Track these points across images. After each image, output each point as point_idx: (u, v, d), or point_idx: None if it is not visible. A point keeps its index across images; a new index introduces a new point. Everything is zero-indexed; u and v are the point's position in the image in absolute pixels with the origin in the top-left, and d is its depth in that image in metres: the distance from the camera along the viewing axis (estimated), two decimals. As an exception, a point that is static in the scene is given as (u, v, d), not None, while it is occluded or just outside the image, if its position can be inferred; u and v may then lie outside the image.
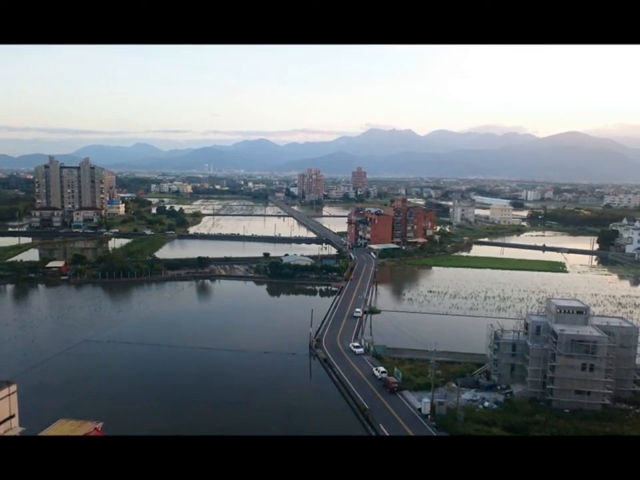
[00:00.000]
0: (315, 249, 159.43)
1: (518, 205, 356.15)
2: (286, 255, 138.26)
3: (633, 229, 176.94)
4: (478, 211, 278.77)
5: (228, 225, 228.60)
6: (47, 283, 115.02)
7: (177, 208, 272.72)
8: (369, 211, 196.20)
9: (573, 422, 52.85)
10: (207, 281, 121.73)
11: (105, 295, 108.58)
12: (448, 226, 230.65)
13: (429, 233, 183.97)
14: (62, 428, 37.71)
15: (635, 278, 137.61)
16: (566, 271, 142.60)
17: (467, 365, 67.87)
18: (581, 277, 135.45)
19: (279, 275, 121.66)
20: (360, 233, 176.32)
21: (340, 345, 76.42)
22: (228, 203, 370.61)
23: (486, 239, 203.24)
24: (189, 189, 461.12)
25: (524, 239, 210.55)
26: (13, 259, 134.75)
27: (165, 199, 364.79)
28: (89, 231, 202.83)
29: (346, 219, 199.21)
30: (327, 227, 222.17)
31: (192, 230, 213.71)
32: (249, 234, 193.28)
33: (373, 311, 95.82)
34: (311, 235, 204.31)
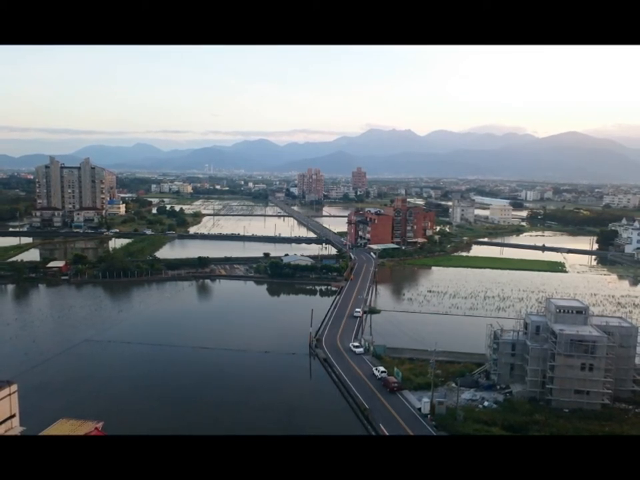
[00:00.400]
0: (315, 249, 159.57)
1: (517, 205, 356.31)
2: (286, 254, 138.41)
3: (632, 229, 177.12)
4: (477, 211, 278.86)
5: (228, 225, 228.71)
6: (47, 283, 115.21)
7: (177, 208, 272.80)
8: (369, 211, 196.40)
9: (572, 421, 52.95)
10: (207, 281, 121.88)
11: (106, 295, 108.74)
12: (448, 226, 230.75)
13: (429, 233, 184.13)
14: (62, 427, 37.83)
15: (634, 278, 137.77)
16: (565, 271, 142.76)
17: (466, 365, 68.00)
18: (580, 277, 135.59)
19: (279, 275, 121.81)
20: (360, 233, 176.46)
21: (340, 344, 76.56)
22: (228, 203, 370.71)
23: (485, 239, 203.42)
24: (189, 189, 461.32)
25: (523, 239, 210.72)
26: (14, 258, 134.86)
27: (165, 199, 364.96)
28: (89, 231, 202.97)
29: (346, 219, 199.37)
30: (327, 227, 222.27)
31: (192, 230, 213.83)
32: (249, 234, 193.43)
33: (373, 311, 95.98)
34: (311, 235, 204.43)
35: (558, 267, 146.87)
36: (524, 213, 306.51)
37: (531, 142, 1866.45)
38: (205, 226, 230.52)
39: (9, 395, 36.28)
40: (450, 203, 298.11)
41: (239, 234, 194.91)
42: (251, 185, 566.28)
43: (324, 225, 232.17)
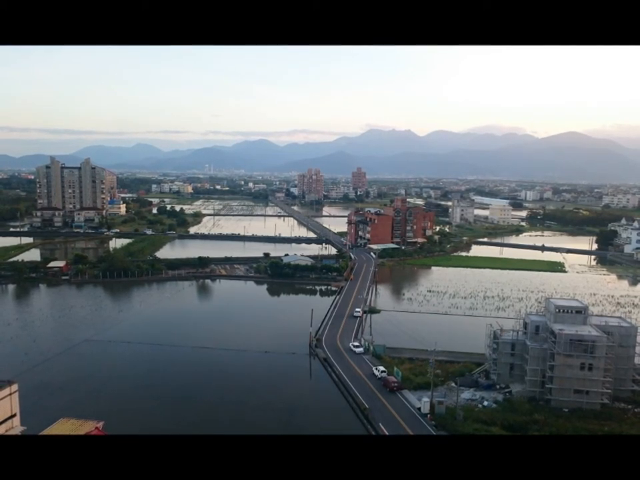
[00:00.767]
0: (315, 249, 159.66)
1: (517, 205, 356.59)
2: (286, 254, 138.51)
3: (632, 229, 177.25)
4: (477, 211, 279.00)
5: (228, 225, 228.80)
6: (48, 283, 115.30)
7: (177, 208, 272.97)
8: (369, 211, 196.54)
9: (571, 421, 53.01)
10: (208, 281, 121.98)
11: (106, 295, 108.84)
12: (447, 226, 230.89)
13: (429, 233, 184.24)
14: (63, 427, 37.88)
15: (633, 278, 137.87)
16: (565, 271, 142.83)
17: (466, 365, 68.04)
18: (579, 277, 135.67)
19: (279, 275, 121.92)
20: (360, 232, 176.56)
21: (340, 344, 76.66)
22: (228, 203, 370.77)
23: (485, 239, 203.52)
24: (189, 189, 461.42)
25: (523, 239, 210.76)
26: (15, 258, 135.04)
27: (165, 199, 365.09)
28: (90, 231, 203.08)
29: (346, 219, 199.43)
30: (327, 227, 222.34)
31: (192, 230, 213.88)
32: (249, 234, 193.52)
33: (373, 311, 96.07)
34: (311, 235, 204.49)
35: (557, 267, 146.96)
36: (523, 213, 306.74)
37: (530, 142, 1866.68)
38: (205, 226, 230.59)
39: (10, 394, 36.31)
40: (449, 203, 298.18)
41: (239, 234, 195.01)
42: (251, 185, 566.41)
43: (324, 225, 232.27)
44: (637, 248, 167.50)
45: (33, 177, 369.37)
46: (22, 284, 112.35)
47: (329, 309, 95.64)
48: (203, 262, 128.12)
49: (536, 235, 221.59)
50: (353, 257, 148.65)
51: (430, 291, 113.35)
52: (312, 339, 77.22)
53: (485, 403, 57.64)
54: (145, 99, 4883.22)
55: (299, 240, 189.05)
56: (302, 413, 56.95)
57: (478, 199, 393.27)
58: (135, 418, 53.86)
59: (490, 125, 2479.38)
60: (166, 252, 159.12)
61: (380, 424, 52.05)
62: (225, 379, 65.28)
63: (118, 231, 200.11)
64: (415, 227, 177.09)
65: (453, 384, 60.69)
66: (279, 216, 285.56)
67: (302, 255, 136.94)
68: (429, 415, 53.89)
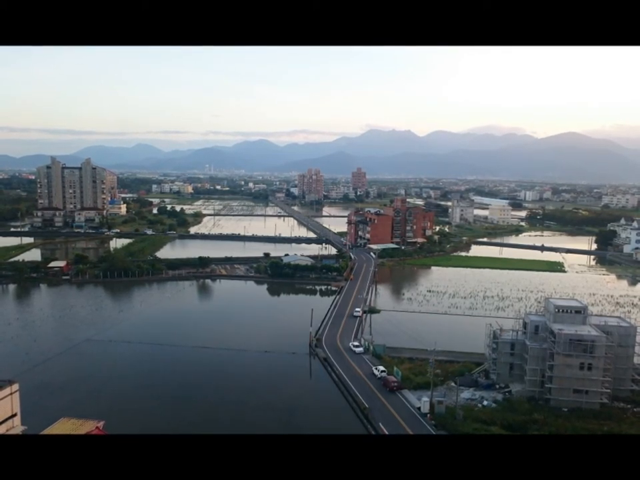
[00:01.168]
0: (315, 249, 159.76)
1: (516, 205, 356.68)
2: (286, 254, 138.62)
3: (631, 229, 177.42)
4: (477, 211, 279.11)
5: (228, 225, 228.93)
6: (48, 283, 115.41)
7: (177, 208, 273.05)
8: (369, 211, 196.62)
9: (571, 421, 53.06)
10: (208, 281, 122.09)
11: (107, 295, 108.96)
12: (447, 226, 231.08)
13: (428, 233, 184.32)
14: (63, 427, 37.83)
15: (632, 277, 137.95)
16: (564, 271, 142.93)
17: (466, 364, 68.12)
18: (579, 277, 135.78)
19: (279, 275, 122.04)
20: (360, 233, 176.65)
21: (340, 344, 76.77)
22: (228, 203, 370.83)
23: (485, 239, 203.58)
24: (189, 189, 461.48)
25: (522, 239, 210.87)
26: (15, 258, 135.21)
27: (166, 199, 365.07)
28: (90, 231, 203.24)
29: (346, 219, 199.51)
30: (327, 227, 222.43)
31: (193, 230, 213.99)
32: (250, 234, 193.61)
33: (373, 311, 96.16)
34: (311, 235, 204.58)
35: (557, 267, 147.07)
36: (523, 213, 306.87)
37: (530, 142, 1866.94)
38: (206, 226, 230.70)
39: (11, 394, 36.29)
40: (449, 203, 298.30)
41: (239, 234, 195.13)
42: (251, 185, 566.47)
43: (324, 225, 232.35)
44: (636, 248, 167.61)
45: (33, 177, 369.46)
46: (23, 284, 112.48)
47: (329, 308, 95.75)
48: (203, 262, 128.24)
49: (535, 235, 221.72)
50: (352, 256, 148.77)
51: (430, 291, 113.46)
52: (312, 338, 77.33)
53: (485, 403, 57.73)
54: (146, 99, 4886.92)
55: (299, 240, 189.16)
56: (302, 412, 57.05)
57: (477, 199, 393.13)
58: (135, 418, 53.97)
59: (490, 125, 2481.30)
60: (166, 252, 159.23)
61: (380, 424, 52.14)
62: (225, 378, 65.39)
63: (118, 231, 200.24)
64: (414, 227, 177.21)
65: (453, 384, 60.81)
66: (279, 216, 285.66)
67: (302, 255, 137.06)
68: (428, 415, 53.98)
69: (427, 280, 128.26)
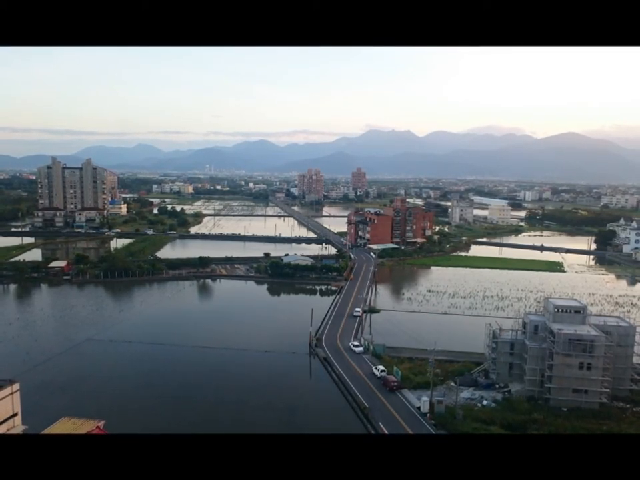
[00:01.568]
0: (315, 249, 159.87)
1: (516, 205, 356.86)
2: (286, 254, 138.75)
3: (630, 229, 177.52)
4: (476, 211, 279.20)
5: (229, 225, 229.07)
6: (49, 283, 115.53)
7: (178, 208, 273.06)
8: (369, 211, 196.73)
9: (570, 420, 53.17)
10: (208, 281, 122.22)
11: (107, 295, 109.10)
12: (447, 226, 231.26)
13: (428, 233, 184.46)
14: (64, 426, 37.88)
15: (632, 277, 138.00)
16: (563, 271, 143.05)
17: (465, 364, 68.24)
18: (578, 277, 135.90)
19: (279, 275, 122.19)
20: (359, 233, 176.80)
21: (340, 344, 76.91)
22: (229, 203, 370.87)
23: (484, 239, 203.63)
24: (190, 189, 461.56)
25: (522, 239, 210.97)
26: (16, 258, 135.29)
27: (166, 200, 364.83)
28: (91, 231, 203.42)
29: (346, 219, 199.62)
30: (327, 227, 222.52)
31: (193, 230, 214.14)
32: (250, 234, 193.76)
33: (373, 311, 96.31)
34: (311, 235, 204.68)
35: (556, 267, 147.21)
36: (522, 213, 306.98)
37: (529, 143, 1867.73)
38: (206, 226, 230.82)
39: (11, 393, 36.43)
40: (449, 203, 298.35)
41: (239, 234, 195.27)
42: (251, 185, 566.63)
43: (324, 225, 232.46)
44: (636, 248, 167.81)
45: (34, 177, 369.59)
46: (23, 284, 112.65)
47: (329, 308, 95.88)
48: (203, 262, 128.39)
49: (535, 235, 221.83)
50: (352, 256, 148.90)
51: (429, 291, 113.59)
52: (312, 338, 77.46)
53: (484, 402, 57.87)
54: (146, 100, 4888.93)
55: (299, 240, 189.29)
56: (302, 412, 57.18)
57: (477, 199, 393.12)
58: (135, 417, 54.07)
59: (489, 125, 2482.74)
60: (167, 252, 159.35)
61: (380, 423, 52.26)
62: (225, 378, 65.51)
63: (119, 231, 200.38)
64: (414, 227, 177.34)
65: (453, 383, 60.96)
66: (279, 216, 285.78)
67: (302, 255, 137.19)
68: (428, 414, 54.09)
69: (427, 280, 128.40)
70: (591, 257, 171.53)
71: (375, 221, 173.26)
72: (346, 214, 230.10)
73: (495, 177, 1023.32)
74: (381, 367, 65.30)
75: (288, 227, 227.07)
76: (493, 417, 53.42)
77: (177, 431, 48.97)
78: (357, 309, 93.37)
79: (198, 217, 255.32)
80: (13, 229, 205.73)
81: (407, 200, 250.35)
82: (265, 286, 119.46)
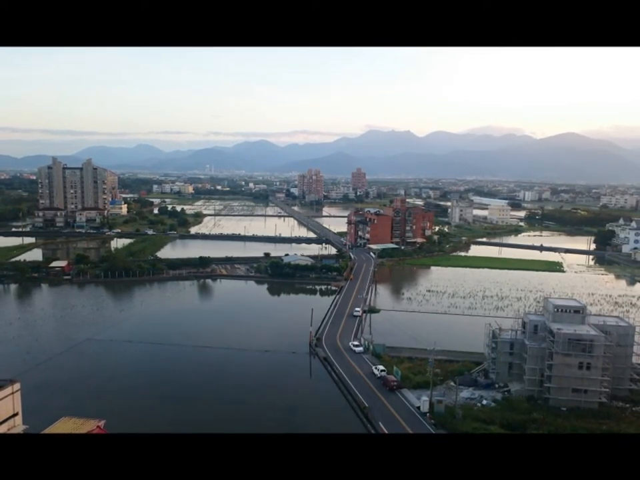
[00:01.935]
0: (315, 249, 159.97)
1: (516, 205, 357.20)
2: (286, 254, 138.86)
3: (630, 229, 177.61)
4: (476, 211, 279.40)
5: (229, 225, 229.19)
6: (50, 283, 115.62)
7: (178, 208, 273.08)
8: (369, 211, 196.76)
9: (570, 420, 53.28)
10: (208, 281, 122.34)
11: (108, 295, 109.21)
12: (446, 226, 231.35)
13: (428, 233, 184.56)
14: (65, 426, 37.97)
15: (631, 277, 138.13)
16: (563, 271, 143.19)
17: (465, 364, 68.34)
18: (578, 277, 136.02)
19: (279, 275, 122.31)
20: (359, 233, 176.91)
21: (340, 343, 77.03)
22: (229, 203, 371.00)
23: (484, 239, 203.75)
24: (190, 189, 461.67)
25: (521, 239, 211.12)
26: (17, 258, 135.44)
27: (166, 200, 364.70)
28: (91, 231, 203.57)
29: (345, 219, 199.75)
30: (327, 227, 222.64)
31: (193, 230, 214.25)
32: (250, 234, 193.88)
33: (373, 310, 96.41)
34: (311, 235, 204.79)
35: (556, 267, 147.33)
36: (522, 213, 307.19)
37: (529, 143, 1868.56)
38: (206, 226, 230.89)
39: (12, 393, 36.46)
40: (449, 204, 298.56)
41: (239, 234, 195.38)
42: (251, 185, 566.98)
43: (324, 225, 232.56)
44: (635, 248, 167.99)
45: (34, 178, 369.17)
46: (24, 283, 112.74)
47: (329, 308, 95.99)
48: (203, 262, 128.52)
49: (534, 235, 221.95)
50: (352, 256, 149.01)
51: (429, 291, 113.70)
52: (312, 338, 77.58)
53: (484, 402, 57.97)
54: (146, 100, 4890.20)
55: (299, 240, 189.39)
56: (302, 411, 57.28)
57: (477, 199, 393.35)
58: (136, 417, 54.15)
59: (489, 125, 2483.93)
60: (167, 252, 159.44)
61: (379, 423, 52.38)
62: (225, 378, 65.62)
63: (119, 231, 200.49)
64: (414, 227, 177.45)
65: (452, 383, 61.06)
66: (279, 216, 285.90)
67: (302, 255, 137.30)
68: (428, 414, 54.20)
69: (427, 280, 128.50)
70: (591, 256, 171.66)
71: (375, 221, 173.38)
72: (346, 214, 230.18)
73: (494, 177, 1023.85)
74: (381, 367, 65.42)
75: (288, 227, 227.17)
76: (492, 417, 53.50)
77: (177, 430, 49.02)
78: (357, 309, 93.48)
79: (198, 217, 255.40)
80: (13, 229, 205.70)
81: (407, 200, 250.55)
82: (265, 286, 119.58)
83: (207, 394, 60.53)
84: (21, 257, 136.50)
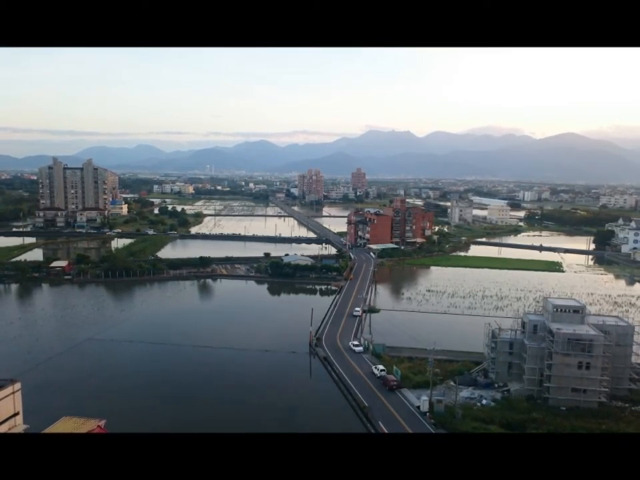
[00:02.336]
0: (315, 249, 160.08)
1: (515, 205, 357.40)
2: (286, 254, 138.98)
3: (629, 229, 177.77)
4: (476, 212, 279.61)
5: (229, 225, 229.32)
6: (50, 283, 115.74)
7: (178, 208, 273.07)
8: (369, 211, 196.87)
9: (569, 419, 53.41)
10: (209, 281, 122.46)
11: (108, 294, 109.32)
12: (446, 226, 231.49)
13: (428, 233, 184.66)
14: (65, 425, 38.12)
15: (630, 277, 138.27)
16: (562, 271, 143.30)
17: (465, 364, 68.45)
18: (577, 277, 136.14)
19: (279, 275, 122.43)
20: (359, 233, 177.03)
21: (340, 343, 77.16)
22: (229, 203, 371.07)
23: (484, 239, 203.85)
24: (190, 189, 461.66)
25: (521, 239, 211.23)
26: (17, 258, 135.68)
27: (167, 200, 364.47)
28: (92, 231, 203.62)
29: (345, 219, 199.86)
30: (327, 227, 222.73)
31: (194, 230, 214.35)
32: (250, 234, 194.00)
33: (372, 310, 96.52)
34: (311, 235, 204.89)
35: (555, 267, 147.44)
36: (522, 213, 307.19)
37: (528, 143, 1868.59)
38: (206, 226, 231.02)
39: (13, 393, 36.59)
40: (448, 204, 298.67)
41: (239, 234, 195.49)
42: (251, 185, 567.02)
43: (324, 225, 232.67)
44: (634, 248, 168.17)
45: (35, 178, 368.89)
46: (25, 283, 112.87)
47: (329, 308, 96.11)
48: (204, 262, 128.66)
49: (534, 235, 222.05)
50: (352, 256, 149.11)
51: (429, 291, 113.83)
52: (312, 338, 77.71)
53: (484, 402, 58.10)
54: (147, 100, 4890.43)
55: (299, 240, 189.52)
56: (302, 411, 57.39)
57: (476, 199, 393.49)
58: (136, 416, 54.24)
59: (488, 125, 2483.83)
60: (167, 252, 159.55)
61: (379, 422, 52.50)
62: (225, 377, 65.73)
63: (120, 231, 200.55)
64: (414, 227, 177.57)
65: (452, 383, 61.20)
66: (280, 216, 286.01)
67: (302, 255, 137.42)
68: (428, 414, 54.30)
69: (426, 280, 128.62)
70: (590, 256, 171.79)
71: (375, 221, 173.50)
72: (346, 214, 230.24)
73: (494, 177, 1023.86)
74: (381, 367, 65.55)
75: (288, 227, 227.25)
76: (492, 416, 53.61)
77: (177, 430, 49.19)
78: (357, 309, 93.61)
79: (198, 217, 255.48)
80: (14, 229, 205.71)
81: (407, 200, 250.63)
82: (265, 286, 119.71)
83: (207, 394, 60.64)
84: (22, 257, 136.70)
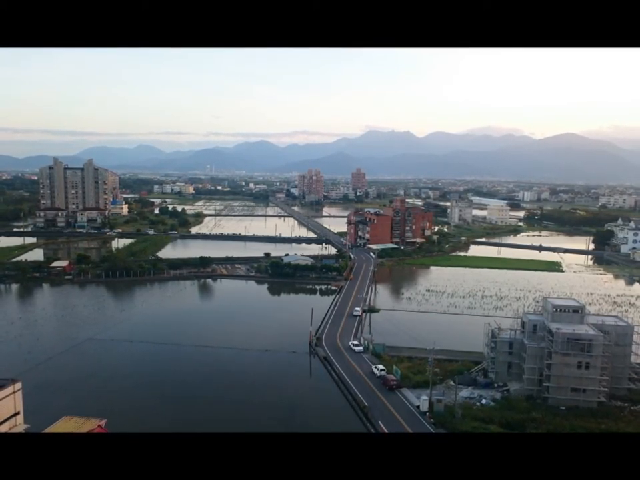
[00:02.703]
0: (315, 249, 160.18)
1: (515, 205, 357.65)
2: (286, 254, 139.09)
3: (628, 229, 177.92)
4: (475, 212, 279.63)
5: (229, 225, 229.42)
6: (51, 283, 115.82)
7: (179, 208, 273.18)
8: (368, 211, 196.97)
9: (568, 419, 53.50)
10: (209, 280, 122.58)
11: (109, 294, 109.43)
12: (446, 226, 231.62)
13: (427, 233, 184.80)
14: (66, 425, 38.14)
15: (629, 277, 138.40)
16: (562, 271, 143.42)
17: (464, 363, 68.57)
18: (576, 277, 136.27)
19: (279, 275, 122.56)
20: (359, 233, 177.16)
21: (340, 343, 77.28)
22: (229, 203, 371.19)
23: (483, 239, 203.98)
24: (191, 189, 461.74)
25: (521, 239, 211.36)
26: (18, 258, 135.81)
27: (167, 200, 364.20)
28: (92, 231, 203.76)
29: (345, 219, 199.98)
30: (327, 227, 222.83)
31: (194, 230, 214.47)
32: (250, 234, 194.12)
33: (372, 310, 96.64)
34: (311, 235, 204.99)
35: (555, 267, 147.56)
36: (521, 214, 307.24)
37: (528, 143, 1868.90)
38: (207, 226, 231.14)
39: (14, 392, 36.57)
40: (448, 204, 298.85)
41: (240, 234, 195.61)
42: (251, 185, 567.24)
43: (324, 225, 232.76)
44: (633, 248, 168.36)
45: (36, 178, 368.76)
46: (25, 283, 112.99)
47: (329, 308, 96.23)
48: (204, 262, 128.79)
49: (533, 235, 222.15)
50: (352, 256, 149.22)
51: (429, 291, 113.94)
52: (312, 337, 77.83)
53: (483, 401, 58.20)
54: (147, 101, 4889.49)
55: (299, 240, 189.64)
56: (302, 411, 57.49)
57: (476, 199, 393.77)
58: (137, 416, 54.32)
59: (488, 126, 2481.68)
60: (168, 252, 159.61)
61: (379, 422, 52.60)
62: (226, 377, 65.83)
63: (120, 231, 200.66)
64: (413, 227, 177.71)
65: (452, 382, 61.28)
66: (280, 216, 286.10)
67: (302, 255, 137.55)
68: (427, 413, 54.41)
69: (426, 280, 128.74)
70: (589, 256, 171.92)
71: (375, 221, 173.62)
72: (346, 214, 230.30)
73: (493, 178, 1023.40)
74: (381, 366, 65.68)
75: (288, 227, 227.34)
76: (491, 416, 53.69)
77: (177, 429, 49.26)
78: (357, 309, 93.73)
79: (199, 217, 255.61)
80: (15, 229, 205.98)
81: (407, 200, 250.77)
82: (266, 286, 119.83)
83: (208, 393, 60.75)
84: (23, 257, 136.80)
